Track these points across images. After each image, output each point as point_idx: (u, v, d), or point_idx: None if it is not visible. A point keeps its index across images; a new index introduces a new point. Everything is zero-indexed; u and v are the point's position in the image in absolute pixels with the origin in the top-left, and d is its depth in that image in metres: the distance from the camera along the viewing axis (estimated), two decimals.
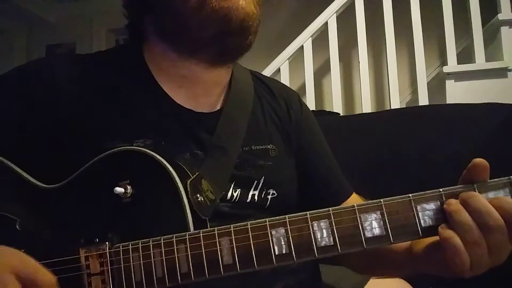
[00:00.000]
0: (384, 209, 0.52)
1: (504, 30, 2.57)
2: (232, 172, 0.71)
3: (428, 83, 2.64)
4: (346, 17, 2.77)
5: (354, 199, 0.85)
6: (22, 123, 0.69)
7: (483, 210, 0.49)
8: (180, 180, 0.60)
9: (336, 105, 2.63)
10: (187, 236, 0.55)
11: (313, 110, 2.69)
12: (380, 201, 0.52)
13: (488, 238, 0.49)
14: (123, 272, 0.57)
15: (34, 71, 0.72)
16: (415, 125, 1.40)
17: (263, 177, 0.74)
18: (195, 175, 0.63)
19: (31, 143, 0.68)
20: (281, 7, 3.53)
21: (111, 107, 0.70)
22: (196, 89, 0.75)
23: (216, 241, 0.54)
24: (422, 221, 0.51)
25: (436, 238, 0.51)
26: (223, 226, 0.55)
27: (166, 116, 0.71)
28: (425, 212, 0.51)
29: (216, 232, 0.55)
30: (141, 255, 0.56)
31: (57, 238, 0.61)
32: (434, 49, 3.26)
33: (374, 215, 0.52)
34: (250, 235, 0.54)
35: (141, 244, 0.57)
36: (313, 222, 0.53)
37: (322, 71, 3.27)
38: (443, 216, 0.51)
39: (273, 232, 0.53)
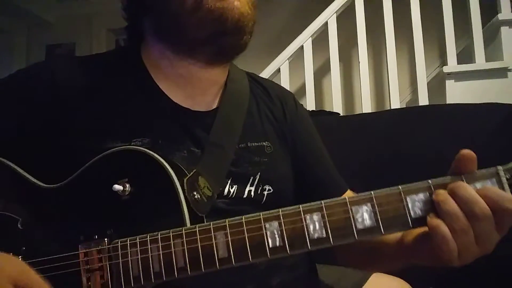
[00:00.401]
0: (375, 201, 0.53)
1: (504, 30, 2.57)
2: (229, 169, 0.72)
3: (428, 83, 2.64)
4: (346, 17, 2.77)
5: (349, 195, 0.85)
6: (22, 124, 0.70)
7: (470, 200, 0.50)
8: (177, 178, 0.61)
9: (336, 105, 2.63)
10: (184, 231, 0.56)
11: (313, 110, 2.68)
12: (371, 193, 0.53)
13: (475, 227, 0.50)
14: (121, 267, 0.58)
15: (34, 73, 0.74)
16: (415, 125, 1.40)
17: (259, 173, 0.75)
18: (192, 173, 0.64)
19: (32, 144, 0.69)
20: (281, 7, 3.53)
21: (109, 107, 0.71)
22: (193, 88, 0.76)
23: (211, 235, 0.55)
24: (412, 212, 0.52)
25: (426, 229, 0.52)
26: (218, 221, 0.56)
27: (163, 115, 0.73)
28: (415, 203, 0.52)
29: (211, 226, 0.56)
30: (138, 250, 0.57)
31: (57, 236, 0.62)
32: (434, 49, 3.25)
33: (365, 207, 0.53)
34: (245, 229, 0.55)
35: (139, 239, 0.58)
36: (306, 215, 0.54)
37: (322, 71, 3.27)
38: (432, 207, 0.52)
39: (267, 226, 0.54)
